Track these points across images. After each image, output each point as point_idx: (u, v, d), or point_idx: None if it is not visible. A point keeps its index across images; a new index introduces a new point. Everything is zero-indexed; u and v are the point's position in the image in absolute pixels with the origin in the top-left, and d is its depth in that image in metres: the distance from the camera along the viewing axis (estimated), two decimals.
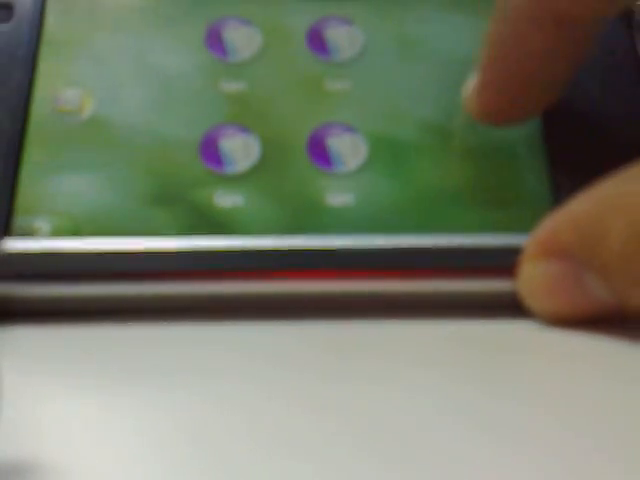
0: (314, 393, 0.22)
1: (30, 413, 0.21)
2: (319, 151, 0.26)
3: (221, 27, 0.28)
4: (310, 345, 0.23)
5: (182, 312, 0.24)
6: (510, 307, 0.24)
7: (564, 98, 0.26)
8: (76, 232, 0.25)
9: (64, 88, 0.27)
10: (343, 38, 0.28)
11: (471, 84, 0.26)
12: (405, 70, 0.27)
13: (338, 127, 0.26)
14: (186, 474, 0.19)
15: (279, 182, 0.26)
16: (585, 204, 0.23)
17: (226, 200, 0.25)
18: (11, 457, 0.20)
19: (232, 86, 0.27)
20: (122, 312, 0.24)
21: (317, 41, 0.28)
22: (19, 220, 0.25)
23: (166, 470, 0.20)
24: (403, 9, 0.28)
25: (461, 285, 0.24)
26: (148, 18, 0.28)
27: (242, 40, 0.28)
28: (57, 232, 0.25)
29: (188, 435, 0.20)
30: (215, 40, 0.28)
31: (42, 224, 0.25)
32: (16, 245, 0.24)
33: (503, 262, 0.24)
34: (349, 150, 0.26)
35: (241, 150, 0.26)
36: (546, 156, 0.26)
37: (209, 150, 0.26)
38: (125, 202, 0.25)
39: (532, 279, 0.23)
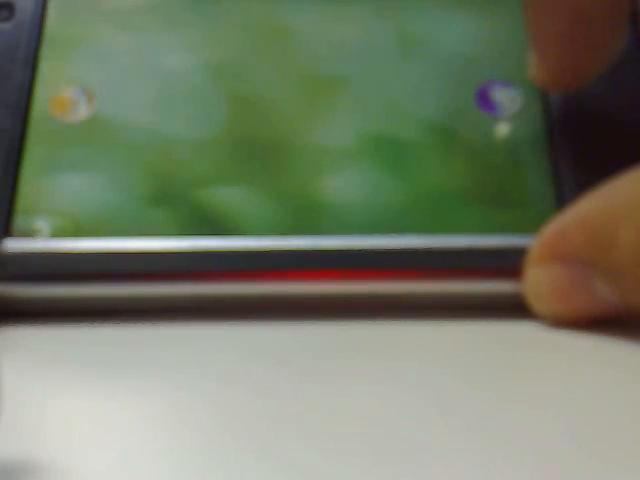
0: (314, 394, 0.22)
1: (30, 413, 0.21)
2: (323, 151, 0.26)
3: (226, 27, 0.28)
4: (310, 346, 0.23)
5: (182, 312, 0.24)
6: (514, 308, 0.24)
7: (569, 98, 0.26)
8: (76, 232, 0.25)
9: (65, 87, 0.27)
10: (346, 37, 0.28)
11: (532, 56, 0.26)
12: (407, 69, 0.27)
13: (341, 128, 0.26)
14: (186, 473, 0.19)
15: (281, 182, 0.25)
16: (594, 205, 0.22)
17: (228, 200, 0.25)
18: (11, 457, 0.20)
19: (235, 85, 0.27)
20: (122, 312, 0.24)
21: (320, 39, 0.28)
22: (19, 220, 0.25)
23: (166, 469, 0.19)
24: (406, 8, 0.28)
25: (464, 286, 0.24)
26: (150, 17, 0.28)
27: (245, 39, 0.28)
28: (57, 232, 0.25)
29: (188, 435, 0.20)
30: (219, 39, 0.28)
31: (42, 224, 0.25)
32: (16, 245, 0.24)
33: (506, 263, 0.24)
34: (353, 150, 0.26)
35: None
36: (550, 156, 0.26)
37: None
38: (126, 202, 0.25)
39: (539, 282, 0.23)
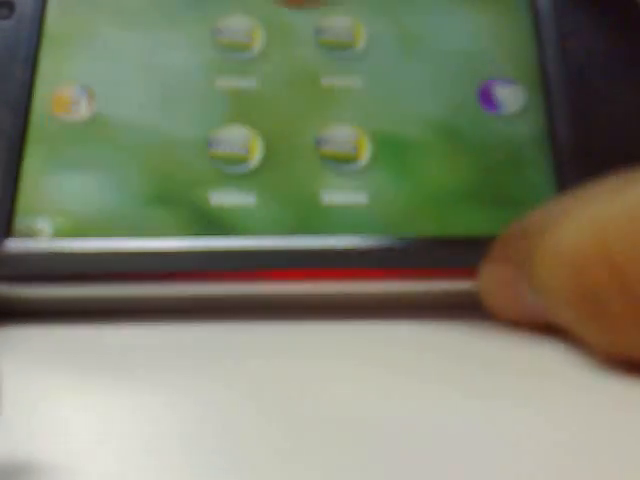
0: (314, 394, 0.22)
1: (30, 413, 0.21)
2: (326, 150, 0.26)
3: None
4: (310, 346, 0.23)
5: (182, 312, 0.24)
6: None
7: (572, 96, 0.26)
8: (78, 232, 0.25)
9: (65, 86, 0.27)
10: (347, 35, 0.28)
11: None
12: (411, 68, 0.27)
13: (343, 126, 0.26)
14: (186, 473, 0.19)
15: (281, 181, 0.25)
16: (535, 214, 0.23)
17: (229, 200, 0.25)
18: (11, 457, 0.20)
19: (236, 84, 0.27)
20: (122, 312, 0.24)
21: (323, 38, 0.28)
22: (20, 221, 0.25)
23: (166, 469, 0.19)
24: (408, 7, 0.28)
25: (467, 286, 0.24)
26: (151, 15, 0.28)
27: (247, 38, 0.28)
28: (58, 232, 0.25)
29: (188, 435, 0.20)
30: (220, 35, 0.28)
31: (43, 224, 0.25)
32: (17, 245, 0.24)
33: None
34: (354, 148, 0.26)
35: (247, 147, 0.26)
36: (553, 155, 0.26)
37: None
38: (127, 202, 0.25)
39: (487, 277, 0.23)
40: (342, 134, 0.26)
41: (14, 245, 0.24)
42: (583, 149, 0.26)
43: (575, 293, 0.21)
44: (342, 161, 0.26)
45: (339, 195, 0.25)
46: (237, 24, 0.28)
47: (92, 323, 0.24)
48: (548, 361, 0.22)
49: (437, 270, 0.24)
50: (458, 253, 0.24)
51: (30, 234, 0.25)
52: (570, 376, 0.22)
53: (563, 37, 0.27)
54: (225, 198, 0.25)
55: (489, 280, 0.23)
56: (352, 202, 0.25)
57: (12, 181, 0.25)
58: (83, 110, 0.26)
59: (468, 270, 0.24)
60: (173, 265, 0.24)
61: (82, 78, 0.27)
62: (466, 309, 0.24)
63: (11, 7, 0.28)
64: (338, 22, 0.28)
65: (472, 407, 0.21)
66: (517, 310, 0.23)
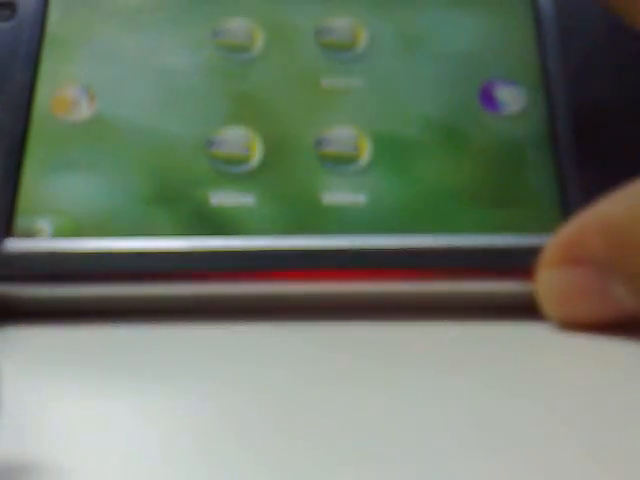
0: (314, 395, 0.22)
1: (30, 413, 0.21)
2: (327, 151, 0.26)
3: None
4: (310, 346, 0.23)
5: (182, 312, 0.24)
6: (516, 309, 0.24)
7: (572, 96, 0.26)
8: (78, 232, 0.25)
9: (66, 86, 0.27)
10: (348, 35, 0.28)
11: None
12: (411, 68, 0.27)
13: (343, 126, 0.26)
14: (186, 473, 0.19)
15: (281, 181, 0.25)
16: (617, 207, 0.22)
17: (229, 200, 0.25)
18: (11, 457, 0.20)
19: (237, 84, 0.27)
20: (122, 312, 0.24)
21: (323, 39, 0.28)
22: (21, 220, 0.25)
23: (166, 470, 0.19)
24: (409, 7, 0.28)
25: (465, 286, 0.24)
26: (152, 16, 0.28)
27: (247, 38, 0.28)
28: (59, 232, 0.25)
29: (188, 435, 0.20)
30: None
31: (44, 224, 0.25)
32: (18, 245, 0.24)
33: (509, 263, 0.24)
34: (354, 148, 0.26)
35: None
36: (554, 155, 0.26)
37: None
38: (127, 202, 0.25)
39: (553, 286, 0.23)
40: (342, 134, 0.26)
41: (14, 245, 0.24)
42: (584, 149, 0.26)
43: None
44: (342, 161, 0.26)
45: (339, 195, 0.25)
46: (237, 25, 0.28)
47: (92, 323, 0.24)
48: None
49: (437, 270, 0.24)
50: (459, 253, 0.24)
51: (30, 234, 0.25)
52: None
53: (564, 37, 0.27)
54: (225, 198, 0.25)
55: (555, 285, 0.23)
56: (352, 202, 0.25)
57: (12, 181, 0.25)
58: (84, 110, 0.27)
59: (469, 270, 0.24)
60: (173, 265, 0.24)
61: (83, 79, 0.27)
62: (466, 309, 0.24)
63: (13, 8, 0.28)
64: (338, 23, 0.28)
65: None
66: (599, 312, 0.22)
